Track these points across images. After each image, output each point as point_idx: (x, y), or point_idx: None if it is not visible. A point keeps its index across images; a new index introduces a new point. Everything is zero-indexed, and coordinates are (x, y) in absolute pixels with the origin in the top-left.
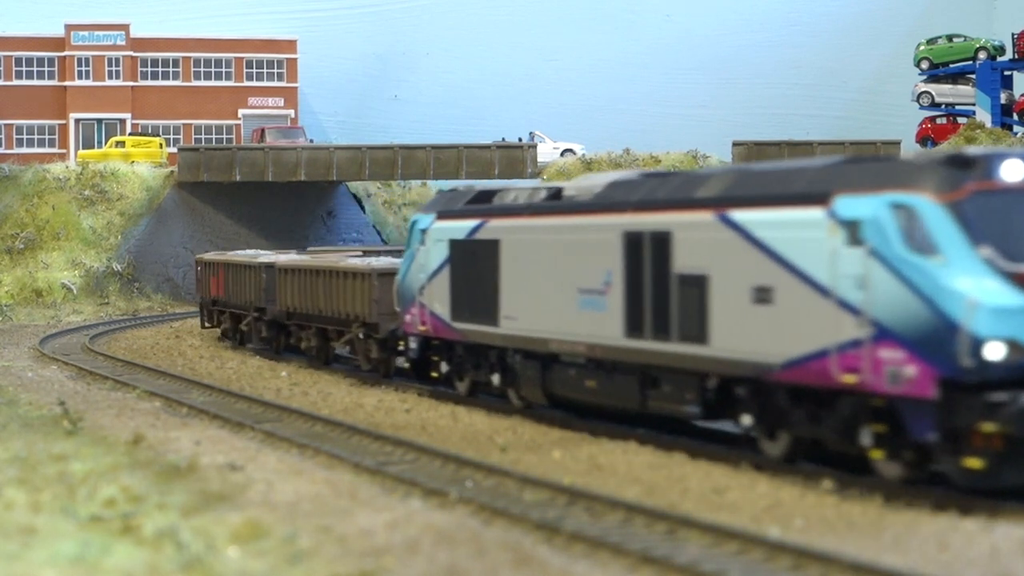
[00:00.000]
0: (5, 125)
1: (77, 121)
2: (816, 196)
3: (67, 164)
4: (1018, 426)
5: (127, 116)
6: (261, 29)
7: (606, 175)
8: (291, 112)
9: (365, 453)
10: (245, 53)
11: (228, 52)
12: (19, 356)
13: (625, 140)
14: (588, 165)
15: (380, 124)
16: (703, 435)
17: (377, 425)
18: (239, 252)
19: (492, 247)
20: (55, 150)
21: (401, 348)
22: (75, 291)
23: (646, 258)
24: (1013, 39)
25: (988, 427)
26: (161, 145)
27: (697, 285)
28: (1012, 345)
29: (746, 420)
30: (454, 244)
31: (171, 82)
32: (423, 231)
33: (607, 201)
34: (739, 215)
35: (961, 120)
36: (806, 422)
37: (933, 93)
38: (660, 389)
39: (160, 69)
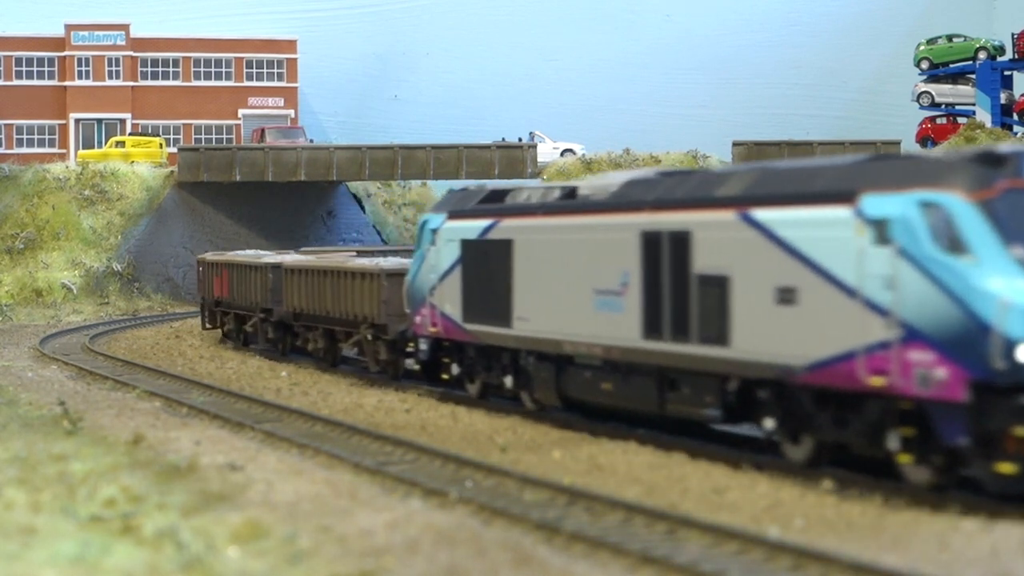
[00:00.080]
0: (5, 125)
1: (77, 121)
2: (842, 194)
3: (67, 164)
4: None
5: (127, 116)
6: (261, 29)
7: (622, 174)
8: (291, 112)
9: (365, 453)
10: (245, 53)
11: (228, 52)
12: (19, 356)
13: (625, 140)
14: (588, 165)
15: (380, 124)
16: (703, 435)
17: (377, 425)
18: (241, 252)
19: (505, 247)
20: (55, 150)
21: (410, 350)
22: (75, 291)
23: (665, 258)
24: (1013, 39)
25: (1021, 431)
26: (161, 145)
27: (718, 285)
28: None
29: (768, 424)
30: (466, 244)
31: (171, 82)
32: (434, 231)
33: (624, 200)
34: (762, 214)
35: (961, 120)
36: (831, 426)
37: (933, 93)
38: (679, 392)
39: (160, 69)
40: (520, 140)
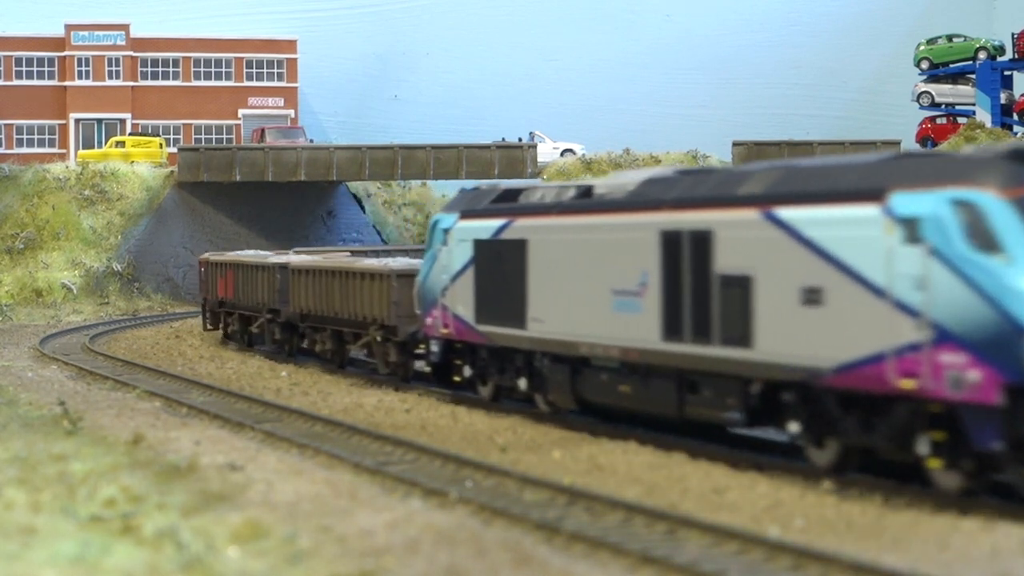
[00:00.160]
0: (5, 125)
1: (77, 121)
2: (870, 192)
3: (67, 164)
4: None
5: (127, 116)
6: (261, 29)
7: (639, 172)
8: (291, 112)
9: (365, 453)
10: (245, 53)
11: (228, 52)
12: (19, 356)
13: (625, 140)
14: (588, 165)
15: (380, 124)
16: (703, 435)
17: (377, 425)
18: (243, 252)
19: (519, 247)
20: (55, 150)
21: (420, 351)
22: (75, 291)
23: (685, 258)
24: (1013, 39)
25: None
26: (161, 145)
27: (740, 286)
28: None
29: (793, 427)
30: (479, 244)
31: (171, 82)
32: (445, 231)
33: (642, 199)
34: (786, 213)
35: (961, 120)
36: (857, 429)
37: (933, 93)
38: (699, 395)
39: (160, 69)
40: (520, 140)
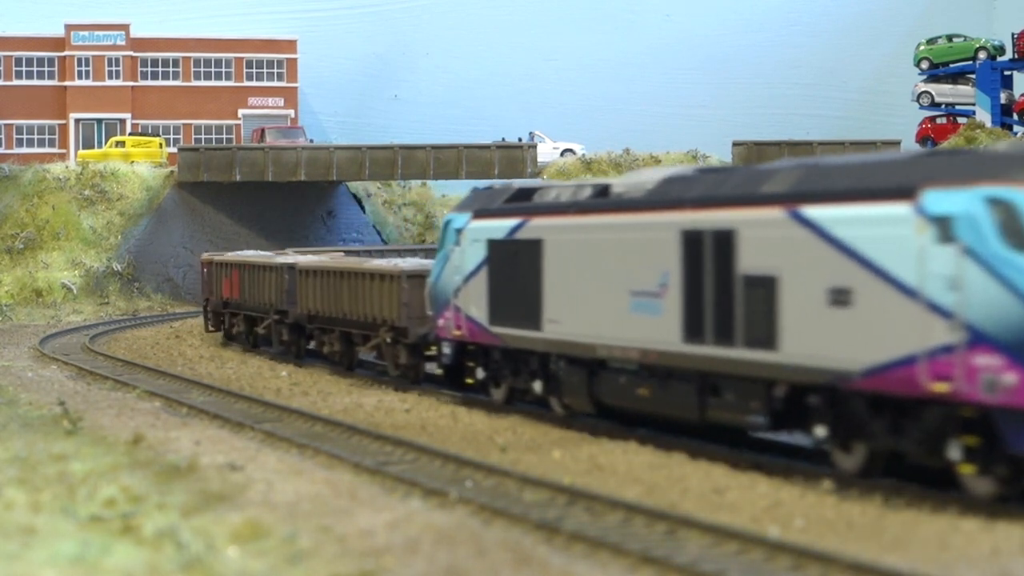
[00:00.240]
0: (5, 125)
1: (77, 121)
2: (901, 190)
3: (67, 164)
4: None
5: (127, 116)
6: (261, 29)
7: (658, 171)
8: (291, 112)
9: (365, 453)
10: (245, 53)
11: (228, 52)
12: (19, 356)
13: (625, 140)
14: (588, 165)
15: (380, 124)
16: (703, 436)
17: (377, 425)
18: (244, 252)
19: (534, 247)
20: (55, 150)
21: (432, 353)
22: (75, 291)
23: (707, 258)
24: (1013, 39)
25: None
26: (161, 145)
27: (765, 286)
28: None
29: (820, 431)
30: (492, 244)
31: (171, 82)
32: (458, 231)
33: (662, 198)
34: (813, 211)
35: (961, 120)
36: (886, 433)
37: (933, 93)
38: (721, 398)
39: (160, 69)
40: (520, 140)
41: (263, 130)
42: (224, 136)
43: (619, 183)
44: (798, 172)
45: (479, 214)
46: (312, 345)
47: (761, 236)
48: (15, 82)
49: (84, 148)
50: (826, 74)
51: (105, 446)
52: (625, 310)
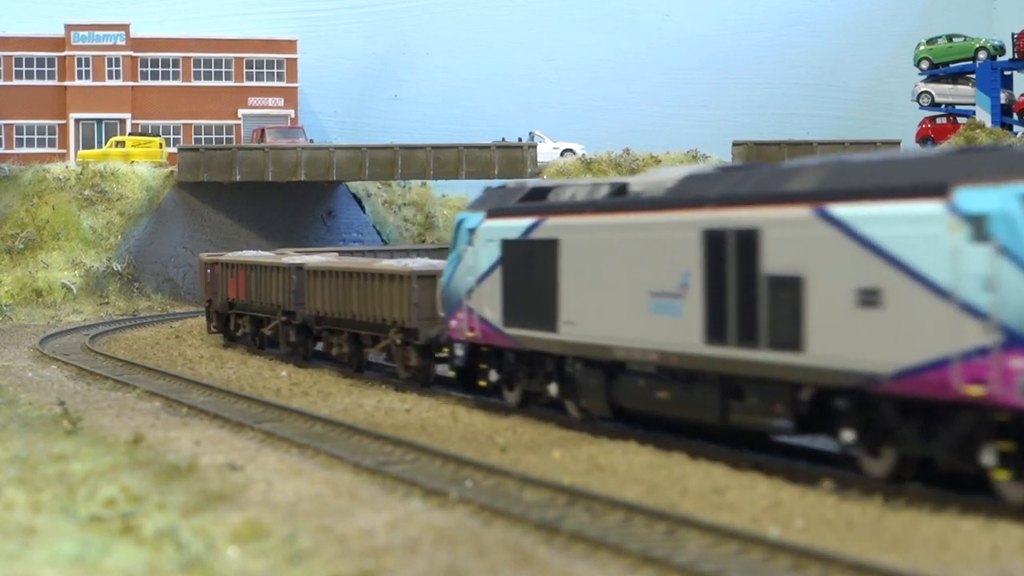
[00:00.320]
0: (5, 125)
1: (77, 121)
2: (933, 188)
3: (67, 164)
4: None
5: (127, 116)
6: (261, 29)
7: (677, 169)
8: (291, 112)
9: (365, 453)
10: (245, 53)
11: (228, 52)
12: (19, 356)
13: (625, 140)
14: (588, 165)
15: (380, 124)
16: (703, 436)
17: (377, 425)
18: (245, 252)
19: (550, 247)
20: (55, 150)
21: (442, 355)
22: (75, 291)
23: (730, 258)
24: (1013, 39)
25: None
26: (161, 145)
27: (790, 287)
28: None
29: (847, 436)
30: (507, 244)
31: (171, 82)
32: (471, 231)
33: (683, 196)
34: (841, 210)
35: (961, 120)
36: (916, 438)
37: (933, 93)
38: (745, 401)
39: (160, 69)
40: (520, 140)
41: (263, 130)
42: (224, 136)
43: (637, 182)
44: (824, 170)
45: (493, 213)
46: (320, 347)
47: (786, 235)
48: (15, 82)
49: (84, 148)
50: (826, 74)
51: (105, 446)
52: (644, 311)
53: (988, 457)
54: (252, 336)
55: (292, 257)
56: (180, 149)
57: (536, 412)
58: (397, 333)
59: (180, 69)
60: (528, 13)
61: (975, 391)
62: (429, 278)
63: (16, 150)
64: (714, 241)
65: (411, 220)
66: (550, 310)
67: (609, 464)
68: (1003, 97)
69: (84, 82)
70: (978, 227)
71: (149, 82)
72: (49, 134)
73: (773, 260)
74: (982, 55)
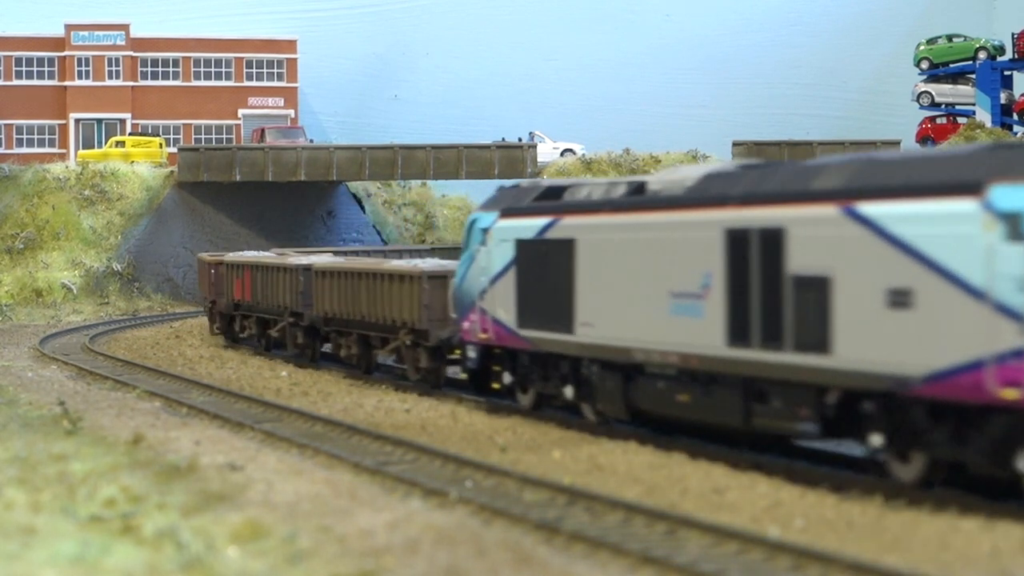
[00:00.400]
0: (5, 125)
1: (77, 121)
2: (966, 186)
3: (67, 164)
4: None
5: (127, 116)
6: (261, 29)
7: (697, 167)
8: (291, 112)
9: (365, 453)
10: (245, 53)
11: (228, 52)
12: (19, 356)
13: (625, 140)
14: (588, 165)
15: (380, 124)
16: (702, 436)
17: (377, 425)
18: (245, 252)
19: (566, 247)
20: (55, 150)
21: (454, 357)
22: (75, 291)
23: (753, 258)
24: (1013, 39)
25: None
26: (161, 145)
27: (817, 288)
28: None
29: (876, 440)
30: (521, 244)
31: (171, 82)
32: (484, 230)
33: (704, 195)
34: (870, 208)
35: (961, 120)
36: (947, 442)
37: (933, 93)
38: (768, 404)
39: (160, 69)
40: (520, 140)
41: (263, 130)
42: (224, 136)
43: (655, 180)
44: (851, 167)
45: (506, 213)
46: (328, 348)
47: (813, 234)
48: (15, 82)
49: (84, 148)
50: (826, 74)
51: (105, 446)
52: (664, 312)
53: (1023, 462)
54: (259, 338)
55: (300, 258)
56: (180, 149)
57: (536, 412)
58: (407, 334)
59: (180, 69)
60: (528, 13)
61: (1011, 394)
62: (440, 278)
63: (16, 150)
64: (737, 241)
65: (411, 220)
66: (566, 311)
67: (609, 464)
68: (1003, 97)
69: (84, 82)
70: (1014, 225)
71: (149, 82)
72: (49, 134)
73: (799, 260)
74: (982, 55)
